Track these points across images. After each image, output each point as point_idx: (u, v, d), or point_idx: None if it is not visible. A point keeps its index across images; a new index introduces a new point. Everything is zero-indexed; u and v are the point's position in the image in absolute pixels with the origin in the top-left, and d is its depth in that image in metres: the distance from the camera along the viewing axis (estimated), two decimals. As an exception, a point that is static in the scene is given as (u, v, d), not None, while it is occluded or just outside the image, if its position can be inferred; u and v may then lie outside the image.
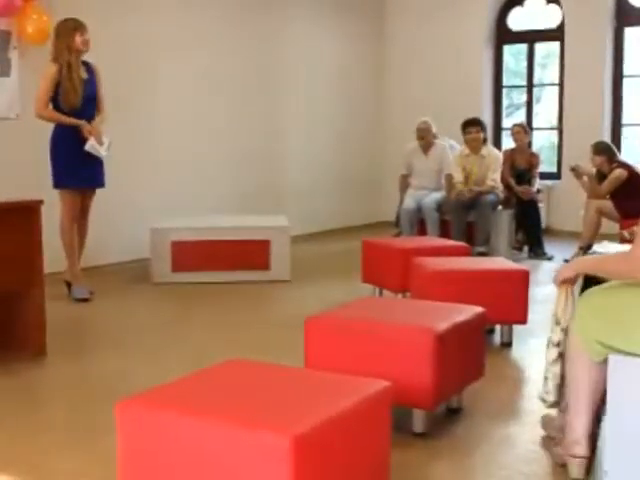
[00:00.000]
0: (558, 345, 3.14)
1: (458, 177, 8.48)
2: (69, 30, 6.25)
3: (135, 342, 5.29)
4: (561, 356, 3.14)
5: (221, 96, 9.14)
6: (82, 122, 6.28)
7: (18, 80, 7.10)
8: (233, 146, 9.33)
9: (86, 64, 6.42)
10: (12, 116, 7.08)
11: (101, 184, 6.59)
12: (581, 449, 2.98)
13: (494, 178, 8.45)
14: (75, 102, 6.27)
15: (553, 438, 3.34)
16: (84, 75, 6.36)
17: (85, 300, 6.44)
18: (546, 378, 3.22)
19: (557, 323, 3.16)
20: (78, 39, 6.24)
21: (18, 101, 7.02)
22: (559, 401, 3.22)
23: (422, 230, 8.56)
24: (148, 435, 2.48)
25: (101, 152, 6.37)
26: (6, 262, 4.64)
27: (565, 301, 3.15)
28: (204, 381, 2.75)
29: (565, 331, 3.12)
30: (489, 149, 8.66)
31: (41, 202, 4.83)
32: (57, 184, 6.36)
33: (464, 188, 8.36)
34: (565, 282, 3.11)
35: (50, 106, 6.33)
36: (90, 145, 6.29)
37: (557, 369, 3.17)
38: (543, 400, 3.27)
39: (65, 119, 6.27)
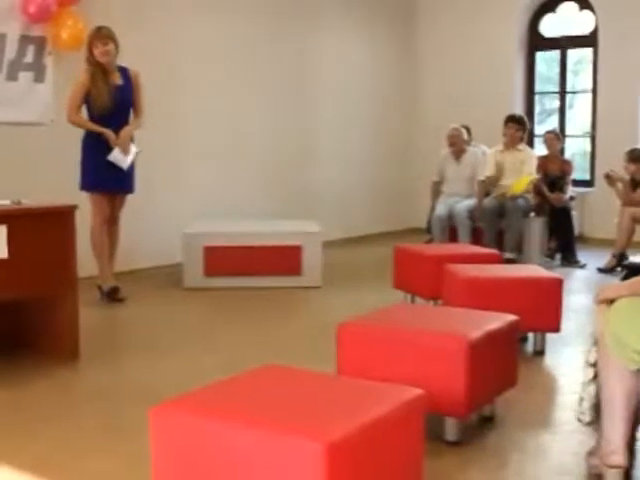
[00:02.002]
0: (594, 365, 3.11)
1: (490, 171, 8.45)
2: (88, 40, 6.34)
3: (168, 346, 5.31)
4: (597, 376, 3.11)
5: (253, 101, 9.17)
6: (107, 131, 6.31)
7: (53, 86, 7.17)
8: (265, 151, 9.36)
9: (123, 70, 6.47)
10: (46, 121, 7.15)
11: (128, 190, 6.63)
12: (619, 459, 2.94)
13: (531, 171, 8.42)
14: (100, 110, 6.33)
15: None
16: (118, 81, 6.41)
17: (114, 291, 6.49)
18: (582, 399, 3.19)
19: (595, 344, 3.12)
20: (95, 50, 6.29)
21: (53, 107, 7.09)
22: (595, 421, 3.19)
23: (453, 237, 8.53)
24: (182, 440, 2.49)
25: (123, 164, 6.39)
26: (40, 266, 4.68)
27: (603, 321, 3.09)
28: (238, 386, 2.76)
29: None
30: (524, 146, 8.67)
31: (75, 207, 4.87)
32: (82, 187, 6.43)
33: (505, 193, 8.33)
34: (605, 302, 3.04)
35: (82, 112, 6.39)
36: (113, 156, 6.34)
37: (592, 389, 3.14)
38: (579, 420, 3.24)
39: (91, 126, 6.33)
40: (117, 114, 6.42)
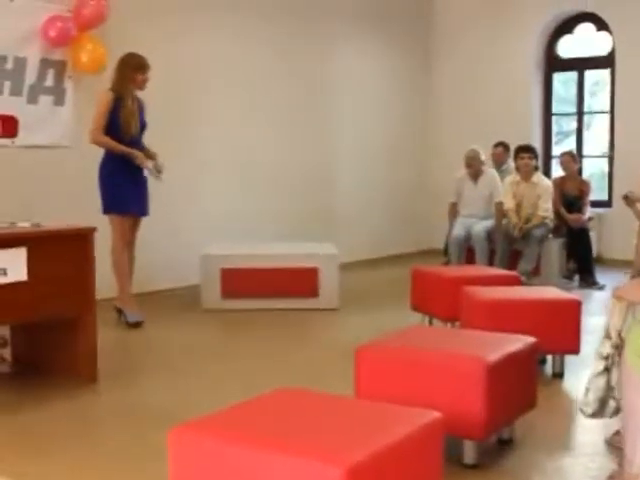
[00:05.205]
0: (606, 359, 3.11)
1: (509, 204, 8.43)
2: (134, 67, 6.39)
3: (186, 368, 5.32)
4: (607, 370, 3.10)
5: (270, 125, 9.22)
6: (135, 151, 6.37)
7: (73, 109, 7.24)
8: (282, 174, 9.39)
9: (137, 98, 6.54)
10: (66, 144, 7.21)
11: (146, 212, 6.68)
12: (641, 483, 2.91)
13: (546, 208, 8.39)
14: (134, 131, 6.40)
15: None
16: (137, 107, 6.48)
17: (139, 324, 6.50)
18: (587, 390, 3.19)
19: (608, 337, 3.12)
20: (139, 77, 6.39)
21: (72, 129, 7.15)
22: (598, 413, 3.18)
23: (471, 258, 8.51)
24: (201, 462, 2.49)
25: (161, 176, 6.47)
26: (59, 288, 4.70)
27: (619, 316, 3.10)
28: (256, 409, 2.76)
29: (616, 347, 3.07)
30: (540, 177, 8.61)
31: (94, 229, 4.89)
32: (106, 209, 6.45)
33: (516, 223, 8.28)
34: (621, 299, 3.03)
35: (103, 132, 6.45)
36: (149, 171, 6.42)
37: (601, 382, 3.13)
38: (582, 411, 3.23)
39: (118, 146, 6.35)
40: (138, 138, 6.51)
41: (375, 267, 10.04)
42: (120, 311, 6.60)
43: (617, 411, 3.23)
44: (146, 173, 6.43)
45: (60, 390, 4.72)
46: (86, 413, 4.45)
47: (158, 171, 6.47)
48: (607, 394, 3.13)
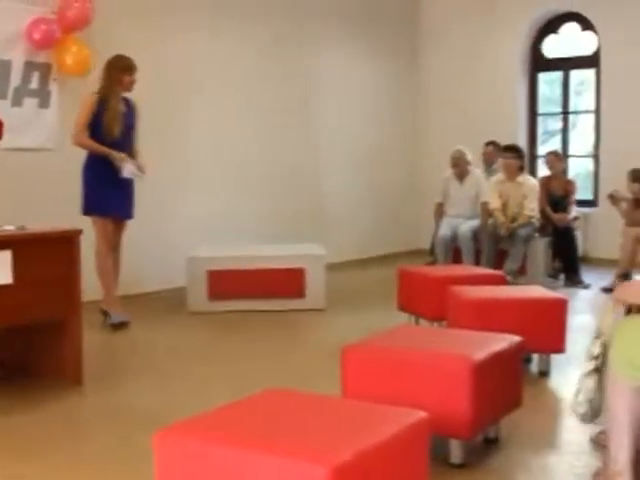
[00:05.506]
0: (596, 358, 3.13)
1: (495, 203, 8.44)
2: (121, 68, 6.38)
3: (171, 371, 5.31)
4: (597, 370, 3.12)
5: (256, 126, 9.21)
6: (113, 152, 6.33)
7: (57, 112, 7.22)
8: (269, 175, 9.38)
9: (125, 99, 6.52)
10: (51, 147, 7.19)
11: (130, 216, 6.64)
12: (624, 480, 2.93)
13: (532, 208, 8.41)
14: (116, 133, 6.37)
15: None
16: (123, 109, 6.46)
17: (124, 324, 6.48)
18: (579, 390, 3.21)
19: (598, 337, 3.14)
20: (126, 79, 6.38)
21: (57, 132, 7.13)
22: (590, 414, 3.20)
23: (457, 258, 8.53)
24: (186, 464, 2.49)
25: (139, 173, 6.44)
26: (45, 291, 4.68)
27: (611, 317, 3.11)
28: (242, 410, 2.75)
29: (605, 346, 3.09)
30: (525, 177, 8.63)
31: (80, 232, 4.88)
32: (85, 210, 6.43)
33: (503, 222, 8.30)
34: (620, 303, 3.05)
35: (87, 134, 6.43)
36: (128, 171, 6.36)
37: (591, 383, 3.15)
38: (574, 412, 3.25)
39: (100, 148, 6.34)
40: (124, 139, 6.47)
41: (363, 267, 10.05)
42: (106, 313, 6.58)
43: None
44: (125, 174, 6.37)
45: (46, 393, 4.70)
46: (72, 415, 4.43)
47: (140, 171, 6.45)
48: (598, 398, 3.14)
